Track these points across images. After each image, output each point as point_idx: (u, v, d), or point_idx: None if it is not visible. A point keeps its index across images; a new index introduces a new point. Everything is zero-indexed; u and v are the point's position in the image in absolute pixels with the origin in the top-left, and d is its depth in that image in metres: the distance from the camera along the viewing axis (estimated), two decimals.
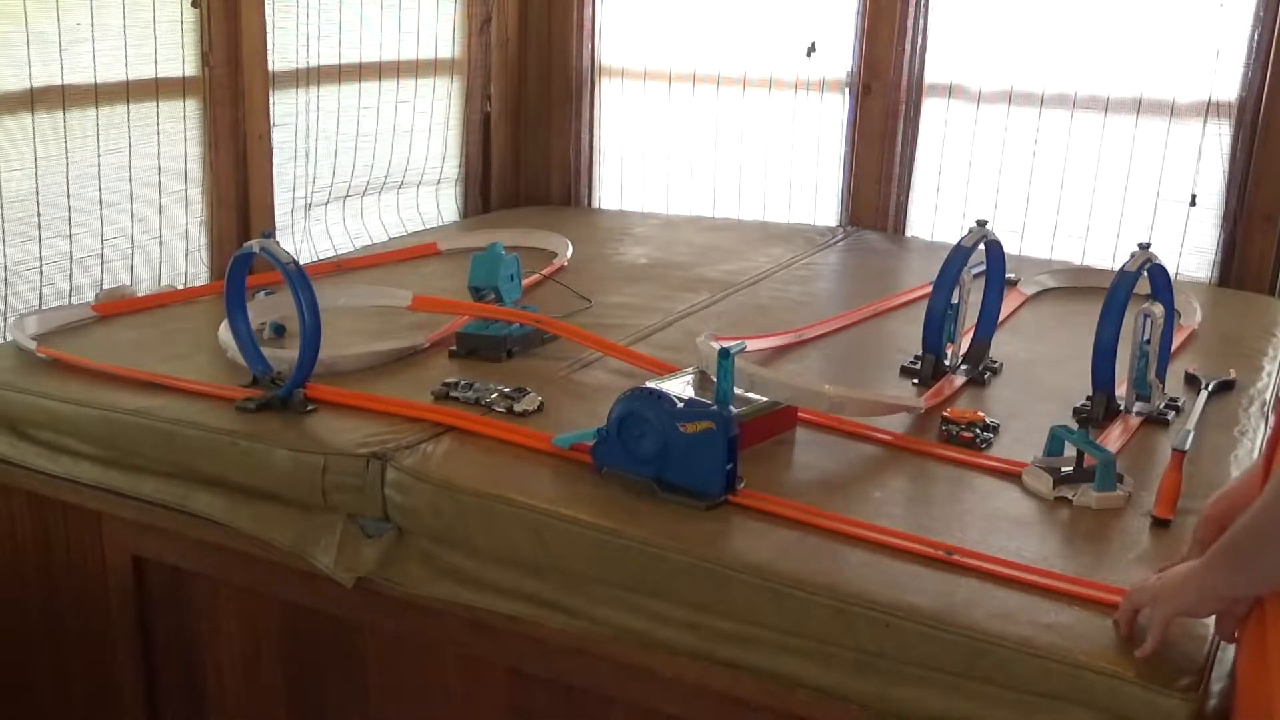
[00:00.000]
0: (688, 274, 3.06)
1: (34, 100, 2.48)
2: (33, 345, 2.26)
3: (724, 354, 1.82)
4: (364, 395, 2.07)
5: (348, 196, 3.38)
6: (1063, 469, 1.82)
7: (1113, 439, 2.00)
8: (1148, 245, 2.16)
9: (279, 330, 2.44)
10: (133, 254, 2.77)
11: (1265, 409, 2.27)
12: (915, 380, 2.30)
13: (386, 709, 1.98)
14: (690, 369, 2.15)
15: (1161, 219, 3.28)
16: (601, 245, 3.36)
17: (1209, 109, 3.17)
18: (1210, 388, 2.27)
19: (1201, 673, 1.38)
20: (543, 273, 2.94)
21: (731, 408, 1.77)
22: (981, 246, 2.34)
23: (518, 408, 2.03)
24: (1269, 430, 1.69)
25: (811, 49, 3.62)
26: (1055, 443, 1.87)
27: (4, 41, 2.42)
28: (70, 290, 2.64)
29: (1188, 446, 1.80)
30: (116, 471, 2.07)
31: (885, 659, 1.51)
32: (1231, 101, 3.14)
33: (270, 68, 2.97)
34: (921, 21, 3.48)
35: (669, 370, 2.21)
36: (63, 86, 2.53)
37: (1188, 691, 1.35)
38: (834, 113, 3.64)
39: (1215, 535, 1.52)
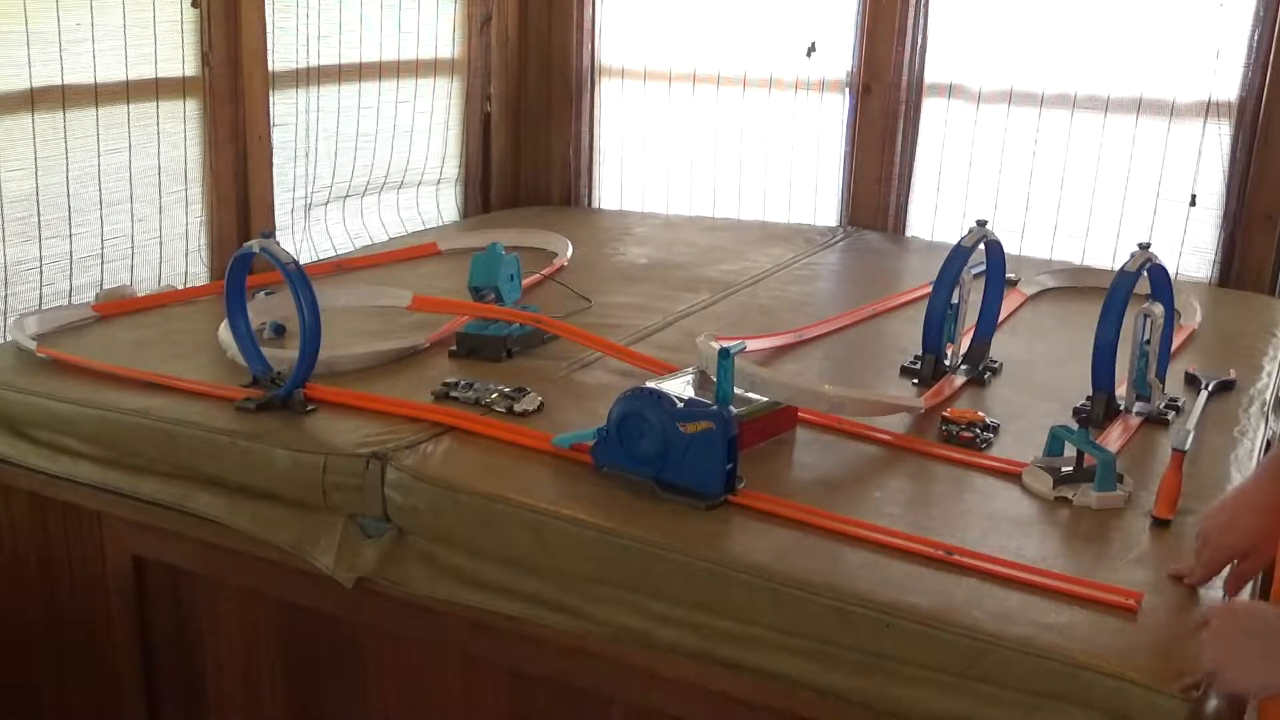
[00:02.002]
0: (688, 274, 3.06)
1: (34, 100, 2.48)
2: (33, 345, 2.26)
3: (724, 354, 1.82)
4: (364, 395, 2.07)
5: (348, 196, 3.38)
6: (1063, 469, 1.82)
7: (1113, 439, 2.00)
8: (1148, 245, 2.16)
9: (279, 330, 2.44)
10: (133, 254, 2.77)
11: (1265, 409, 2.27)
12: (915, 380, 2.30)
13: (386, 709, 1.98)
14: (690, 369, 2.15)
15: (1161, 219, 3.28)
16: (601, 245, 3.36)
17: (1209, 109, 3.17)
18: (1210, 388, 2.27)
19: (1201, 673, 1.38)
20: (543, 273, 2.94)
21: (731, 408, 1.77)
22: (981, 246, 2.34)
23: (518, 408, 2.03)
24: None
25: (811, 49, 3.62)
26: (1055, 443, 1.87)
27: (4, 41, 2.42)
28: (70, 290, 2.64)
29: (1188, 446, 1.80)
30: (116, 471, 2.07)
31: (885, 659, 1.51)
32: (1231, 101, 3.14)
33: (270, 68, 2.97)
34: (921, 21, 3.48)
35: (669, 370, 2.21)
36: (63, 86, 2.53)
37: (1188, 691, 1.35)
38: (834, 113, 3.64)
39: (1222, 559, 1.51)
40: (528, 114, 3.98)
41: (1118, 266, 2.16)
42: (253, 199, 3.00)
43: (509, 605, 1.77)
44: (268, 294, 2.49)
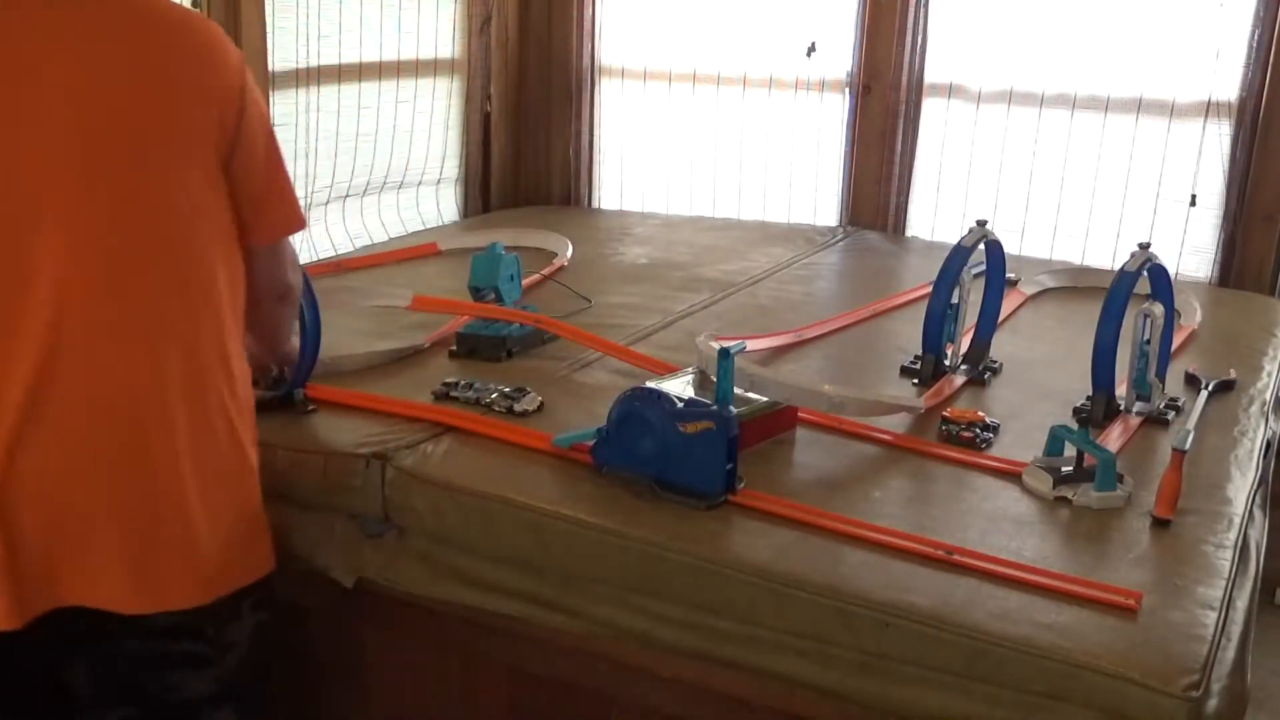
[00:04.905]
0: (688, 274, 3.06)
1: None
2: None
3: (724, 354, 1.82)
4: (364, 395, 2.07)
5: (348, 196, 3.38)
6: (1063, 469, 1.82)
7: (1113, 439, 2.00)
8: (1148, 245, 2.16)
9: None
10: None
11: (1265, 409, 2.27)
12: (915, 380, 2.30)
13: (386, 709, 1.97)
14: (690, 369, 2.15)
15: (1161, 219, 3.28)
16: (601, 245, 3.36)
17: (1209, 109, 3.17)
18: (1210, 388, 2.27)
19: (1201, 673, 1.38)
20: (543, 273, 2.94)
21: (731, 408, 1.77)
22: (981, 246, 2.34)
23: (518, 408, 2.03)
24: None
25: (811, 49, 3.62)
26: (1055, 443, 1.87)
27: None
28: None
29: (1188, 446, 1.81)
30: None
31: (885, 659, 1.51)
32: (1231, 101, 3.14)
33: (270, 68, 2.97)
34: (921, 21, 3.48)
35: (669, 370, 2.21)
36: None
37: (1188, 691, 1.35)
38: (834, 113, 3.64)
39: None
40: (528, 114, 3.98)
41: (1118, 266, 2.16)
42: None
43: (509, 605, 1.77)
44: None
